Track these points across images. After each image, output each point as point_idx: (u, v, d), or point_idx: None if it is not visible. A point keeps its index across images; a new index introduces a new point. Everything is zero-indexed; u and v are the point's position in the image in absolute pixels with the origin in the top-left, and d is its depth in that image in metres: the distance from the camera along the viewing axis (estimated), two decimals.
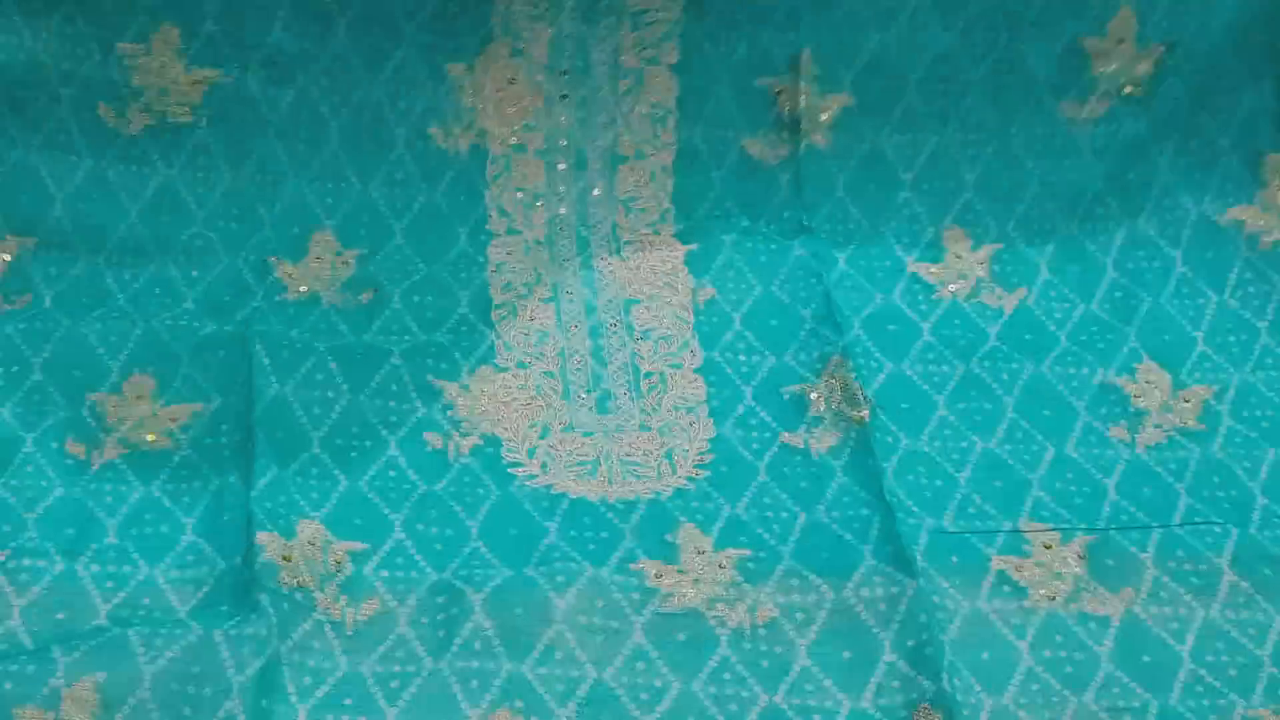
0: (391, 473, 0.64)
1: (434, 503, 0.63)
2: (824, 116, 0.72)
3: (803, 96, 0.72)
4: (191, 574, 0.59)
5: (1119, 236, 0.73)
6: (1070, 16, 0.70)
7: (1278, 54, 0.72)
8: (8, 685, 0.52)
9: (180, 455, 0.64)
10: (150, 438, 0.65)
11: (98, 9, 0.67)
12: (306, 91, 0.70)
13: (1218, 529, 0.61)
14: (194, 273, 0.70)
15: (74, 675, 0.53)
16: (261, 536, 0.58)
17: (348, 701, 0.55)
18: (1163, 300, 0.72)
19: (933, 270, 0.74)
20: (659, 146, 0.73)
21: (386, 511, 0.62)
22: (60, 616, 0.57)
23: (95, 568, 0.59)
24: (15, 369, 0.65)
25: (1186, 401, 0.68)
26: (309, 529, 0.60)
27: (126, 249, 0.71)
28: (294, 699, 0.54)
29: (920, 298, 0.72)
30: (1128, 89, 0.72)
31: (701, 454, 0.65)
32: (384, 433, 0.65)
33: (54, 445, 0.64)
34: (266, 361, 0.66)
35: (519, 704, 0.55)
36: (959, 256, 0.73)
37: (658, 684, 0.56)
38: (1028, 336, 0.70)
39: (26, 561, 0.59)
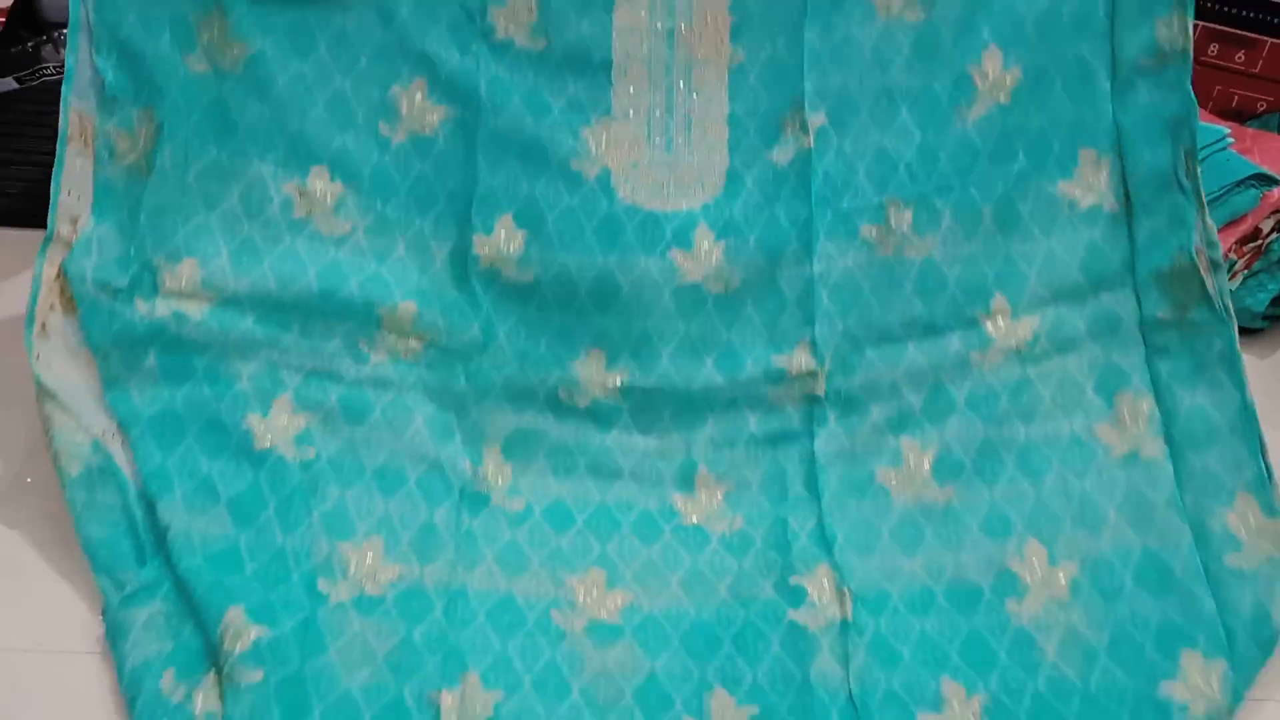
0: (550, 184, 0.95)
1: (568, 210, 0.95)
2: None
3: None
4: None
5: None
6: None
7: None
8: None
9: None
10: None
11: None
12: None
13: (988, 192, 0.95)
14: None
15: None
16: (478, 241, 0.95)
17: None
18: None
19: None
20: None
21: (545, 211, 0.94)
22: None
23: None
24: None
25: (1007, 78, 0.95)
26: (504, 221, 0.95)
27: None
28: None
29: (870, 23, 0.96)
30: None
31: (718, 184, 0.96)
32: (550, 153, 0.95)
33: None
34: (485, 96, 0.96)
35: (604, 345, 0.92)
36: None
37: (673, 325, 0.92)
38: (924, 44, 0.96)
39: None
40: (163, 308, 0.90)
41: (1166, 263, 0.91)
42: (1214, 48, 1.37)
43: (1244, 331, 1.18)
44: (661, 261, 0.94)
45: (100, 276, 0.90)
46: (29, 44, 1.44)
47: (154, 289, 0.90)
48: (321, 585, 0.82)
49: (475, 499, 0.89)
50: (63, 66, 1.41)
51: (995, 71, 0.95)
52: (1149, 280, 0.92)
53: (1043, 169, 0.94)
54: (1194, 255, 0.90)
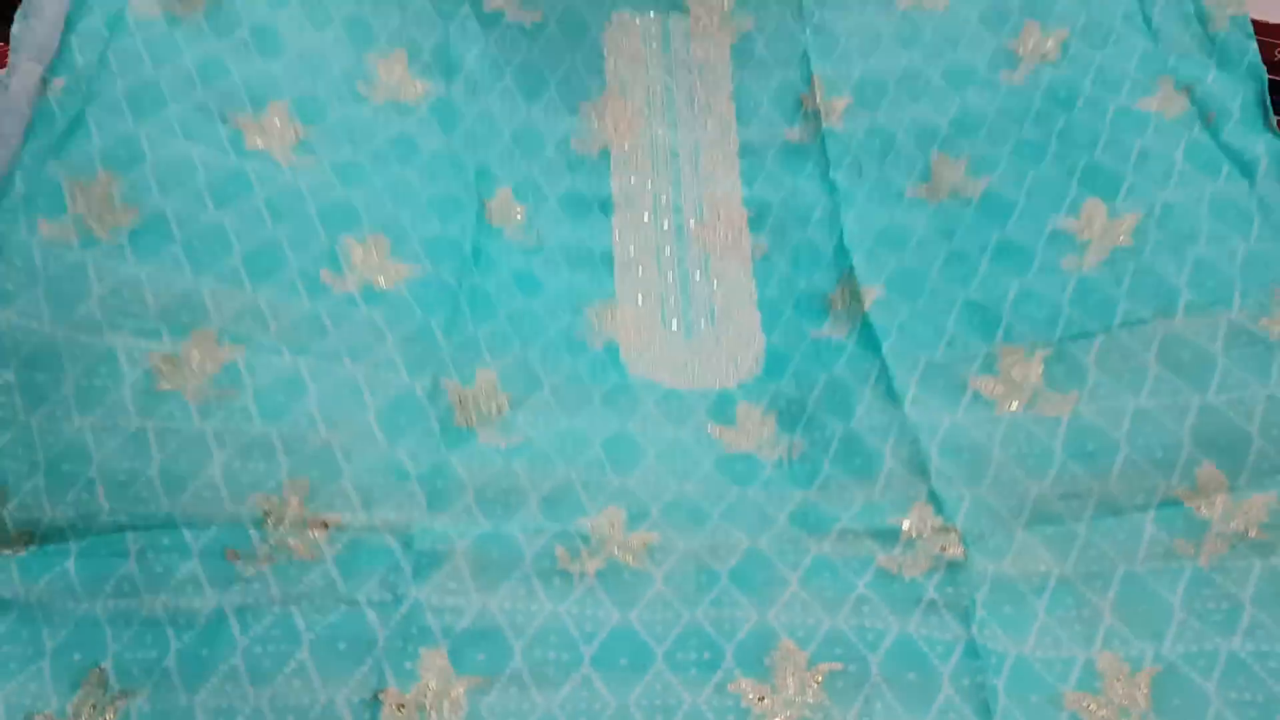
0: (550, 351, 0.82)
1: (572, 375, 0.81)
2: (837, 108, 0.96)
3: (819, 101, 0.96)
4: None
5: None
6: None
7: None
8: None
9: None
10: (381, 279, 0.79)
11: None
12: (489, 107, 0.94)
13: (1148, 325, 0.72)
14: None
15: None
16: (446, 382, 0.75)
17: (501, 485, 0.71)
18: (1098, 155, 0.85)
19: (927, 188, 0.91)
20: (727, 141, 0.96)
21: (541, 375, 0.80)
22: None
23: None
24: None
25: (1121, 225, 0.80)
26: (485, 376, 0.77)
27: None
28: (463, 476, 0.70)
29: (917, 212, 0.89)
30: (1045, 57, 0.93)
31: (756, 363, 0.84)
32: (551, 331, 0.83)
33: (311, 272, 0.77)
34: (467, 260, 0.84)
35: (623, 503, 0.71)
36: (941, 177, 0.91)
37: (720, 490, 0.73)
38: (992, 215, 0.86)
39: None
40: None
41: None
42: None
43: None
44: (698, 434, 0.79)
45: None
46: None
47: None
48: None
49: None
50: None
51: (1101, 219, 0.83)
52: None
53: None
54: None
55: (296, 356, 0.72)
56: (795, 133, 0.96)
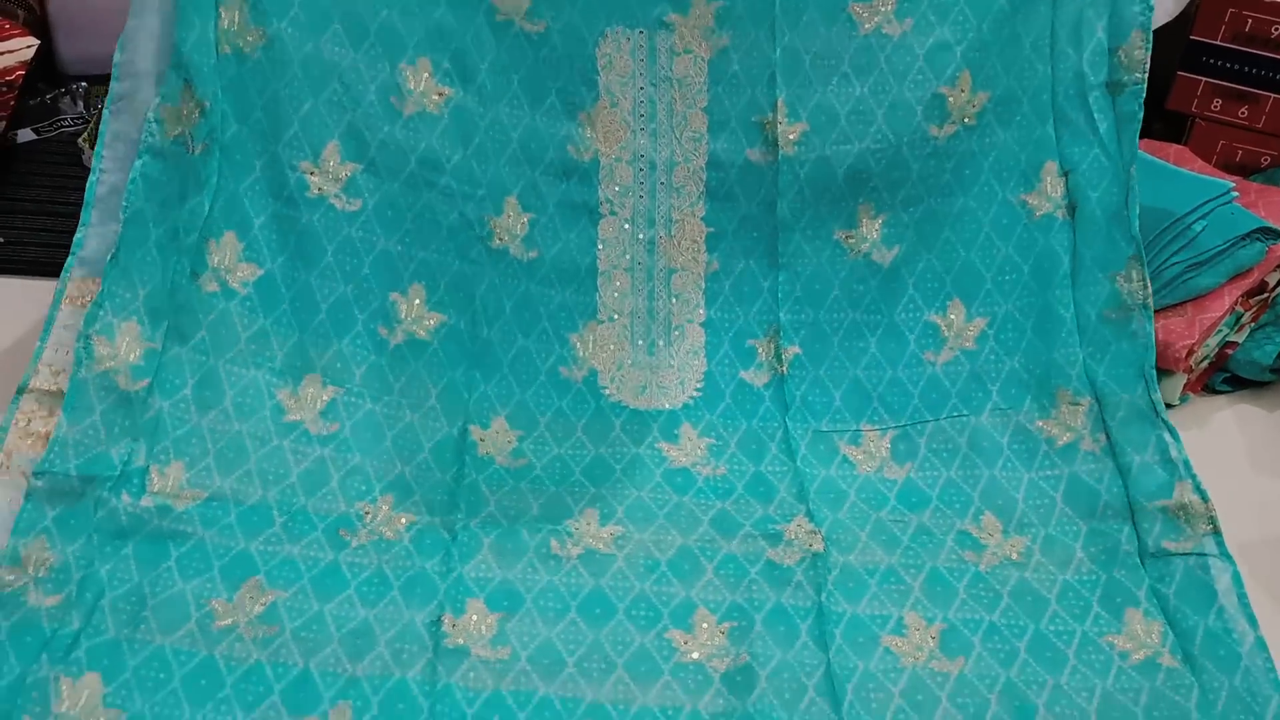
0: (542, 393, 1.05)
1: (559, 411, 1.05)
2: (792, 136, 1.06)
3: (780, 125, 1.06)
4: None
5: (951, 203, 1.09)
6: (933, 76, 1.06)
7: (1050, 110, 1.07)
8: None
9: (433, 348, 1.04)
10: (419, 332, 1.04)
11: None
12: (500, 116, 1.06)
13: (963, 419, 1.02)
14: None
15: None
16: (473, 429, 1.02)
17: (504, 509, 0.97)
18: (973, 254, 1.07)
19: (850, 237, 1.09)
20: (697, 155, 1.08)
21: (537, 415, 1.04)
22: None
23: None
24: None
25: (971, 329, 1.06)
26: (498, 423, 1.03)
27: None
28: (486, 493, 0.98)
29: (840, 261, 1.08)
30: (966, 119, 1.06)
31: (697, 385, 1.07)
32: (542, 373, 1.06)
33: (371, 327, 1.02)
34: (480, 302, 1.06)
35: (598, 506, 0.97)
36: (862, 230, 1.08)
37: (665, 496, 0.99)
38: (890, 287, 1.07)
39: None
40: (147, 501, 0.90)
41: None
42: (1217, 103, 1.38)
43: (1250, 384, 1.19)
44: (650, 451, 1.02)
45: (86, 472, 0.89)
46: (47, 96, 1.46)
47: (141, 488, 0.91)
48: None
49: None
50: (80, 118, 1.44)
51: (959, 320, 1.06)
52: (1153, 512, 0.95)
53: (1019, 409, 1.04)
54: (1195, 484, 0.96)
55: (374, 405, 1.00)
56: (756, 154, 1.07)
